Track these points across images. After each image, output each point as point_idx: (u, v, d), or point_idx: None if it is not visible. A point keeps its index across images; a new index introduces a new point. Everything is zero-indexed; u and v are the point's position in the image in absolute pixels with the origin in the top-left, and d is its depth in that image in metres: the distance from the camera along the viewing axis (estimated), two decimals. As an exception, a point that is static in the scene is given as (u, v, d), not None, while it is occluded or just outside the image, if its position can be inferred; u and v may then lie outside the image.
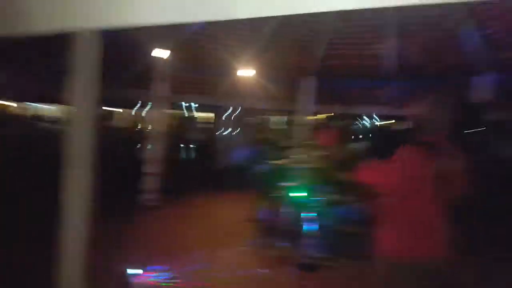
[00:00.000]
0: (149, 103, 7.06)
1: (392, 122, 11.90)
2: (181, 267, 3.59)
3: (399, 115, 8.31)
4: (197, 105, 11.44)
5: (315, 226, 4.23)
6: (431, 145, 1.86)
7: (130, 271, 3.19)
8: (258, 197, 5.37)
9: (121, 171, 6.43)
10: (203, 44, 6.44)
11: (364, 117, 11.37)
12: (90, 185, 2.20)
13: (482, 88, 6.07)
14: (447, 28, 5.67)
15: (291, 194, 4.48)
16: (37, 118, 12.24)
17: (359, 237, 3.97)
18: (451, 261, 1.86)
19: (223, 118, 9.83)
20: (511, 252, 4.04)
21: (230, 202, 6.57)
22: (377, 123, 12.23)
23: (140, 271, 3.31)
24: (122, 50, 5.99)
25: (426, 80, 6.68)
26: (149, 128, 6.84)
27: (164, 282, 3.36)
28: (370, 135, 11.29)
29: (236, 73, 7.17)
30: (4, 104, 12.09)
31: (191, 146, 9.38)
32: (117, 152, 7.90)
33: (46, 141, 8.64)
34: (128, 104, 11.99)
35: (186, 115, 13.21)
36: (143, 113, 12.39)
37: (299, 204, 4.41)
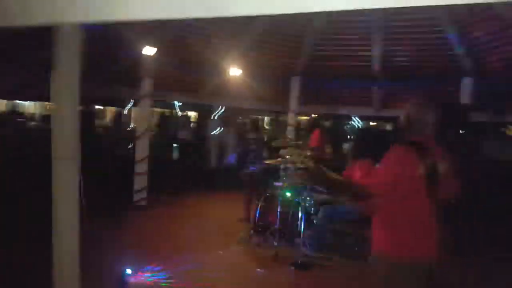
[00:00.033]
0: (137, 101, 6.96)
1: (380, 123, 12.07)
2: (175, 267, 3.56)
3: (386, 115, 8.41)
4: (185, 104, 11.36)
5: (308, 225, 4.25)
6: (419, 145, 1.88)
7: (125, 271, 3.14)
8: (249, 197, 5.37)
9: (109, 170, 6.32)
10: (191, 42, 6.39)
11: (352, 118, 11.48)
12: (77, 183, 2.15)
13: (467, 90, 6.20)
14: (432, 31, 5.78)
15: (282, 194, 4.49)
16: (18, 115, 11.92)
17: (351, 236, 4.01)
18: (442, 261, 1.88)
19: (212, 117, 9.78)
20: (501, 252, 4.13)
21: (222, 202, 6.54)
22: (364, 123, 12.37)
23: (135, 271, 3.27)
24: (108, 47, 5.90)
25: (413, 82, 6.78)
26: (137, 126, 6.73)
27: (159, 282, 3.33)
28: (358, 135, 11.41)
29: (224, 72, 7.13)
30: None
31: (181, 145, 9.29)
32: (105, 151, 7.77)
33: (28, 139, 8.42)
34: (115, 102, 11.78)
35: (175, 114, 13.09)
36: (131, 112, 12.22)
37: (291, 204, 4.43)
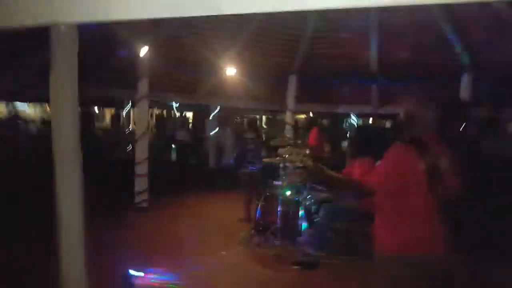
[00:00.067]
0: (134, 102, 6.95)
1: (378, 121, 12.06)
2: (178, 268, 3.56)
3: (385, 113, 8.42)
4: (182, 104, 11.33)
5: (309, 224, 4.24)
6: (419, 143, 1.88)
7: (130, 273, 3.13)
8: (249, 197, 5.36)
9: (109, 172, 6.30)
10: (186, 41, 6.37)
11: (351, 116, 11.48)
12: (81, 186, 2.15)
13: (467, 87, 6.20)
14: (430, 29, 5.77)
15: (282, 193, 4.49)
16: (17, 117, 11.87)
17: (353, 234, 4.00)
18: (446, 259, 1.87)
19: (210, 117, 9.76)
20: (501, 252, 4.12)
21: (222, 202, 6.53)
22: (363, 121, 12.37)
23: (140, 273, 3.26)
24: (105, 47, 5.87)
25: (411, 79, 6.78)
26: (136, 128, 6.72)
27: (163, 284, 3.32)
28: (357, 133, 11.41)
29: (221, 72, 7.12)
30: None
31: (179, 146, 9.27)
32: (104, 153, 7.74)
33: (29, 141, 8.38)
34: (113, 104, 11.74)
35: (173, 115, 13.07)
36: (130, 113, 12.18)
37: (291, 203, 4.42)
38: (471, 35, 5.71)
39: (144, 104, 6.21)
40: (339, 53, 6.87)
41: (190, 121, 13.21)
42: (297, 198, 4.42)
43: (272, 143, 4.91)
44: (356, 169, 3.12)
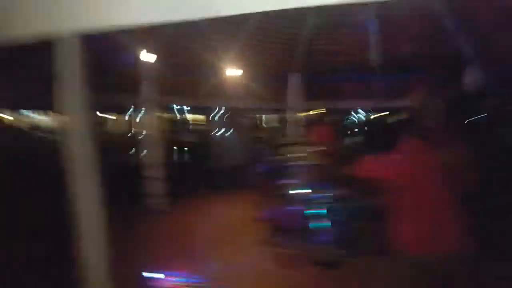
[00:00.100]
0: (141, 107, 7.02)
1: (386, 115, 11.93)
2: (198, 270, 3.55)
3: (392, 107, 8.31)
4: (189, 107, 11.40)
5: (325, 223, 4.18)
6: (430, 136, 1.84)
7: (150, 275, 3.15)
8: (263, 196, 5.33)
9: (122, 177, 6.37)
10: (187, 45, 6.39)
11: (358, 111, 11.39)
12: (98, 192, 2.19)
13: (475, 77, 6.08)
14: (434, 18, 5.66)
15: (296, 192, 4.44)
16: (31, 127, 12.11)
17: (372, 232, 3.92)
18: (464, 257, 1.83)
19: (217, 119, 9.78)
20: None
21: (236, 203, 6.50)
22: (371, 116, 12.25)
23: (161, 276, 3.27)
24: (109, 55, 5.92)
25: (418, 71, 6.68)
26: (144, 132, 6.79)
27: (184, 286, 3.32)
28: (366, 128, 11.31)
29: (224, 73, 7.12)
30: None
31: (189, 148, 9.32)
32: (115, 158, 7.82)
33: (44, 150, 8.52)
34: (121, 110, 11.89)
35: (179, 118, 13.14)
36: (137, 118, 12.29)
37: (306, 201, 4.38)
38: (480, 22, 5.59)
39: (153, 109, 6.29)
40: (343, 49, 6.80)
41: (200, 123, 13.27)
42: (312, 197, 4.37)
43: (282, 141, 4.89)
44: (367, 165, 3.07)
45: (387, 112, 11.34)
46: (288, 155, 4.48)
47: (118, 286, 2.39)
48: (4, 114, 11.96)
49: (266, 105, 9.35)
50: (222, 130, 9.48)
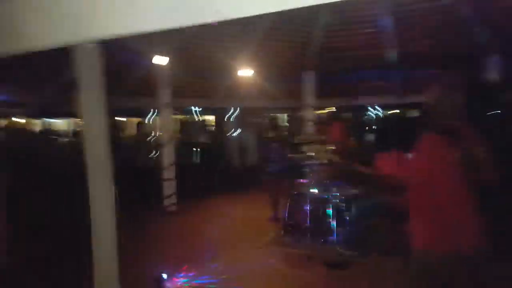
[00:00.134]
0: (156, 110, 7.14)
1: (403, 111, 11.68)
2: (210, 270, 3.60)
3: (410, 103, 8.14)
4: (202, 108, 11.49)
5: (339, 222, 4.14)
6: (450, 132, 1.79)
7: (164, 275, 3.21)
8: (276, 196, 5.33)
9: (138, 178, 6.49)
10: (201, 47, 6.45)
11: (374, 108, 11.18)
12: (113, 194, 2.25)
13: (493, 70, 5.89)
14: (451, 12, 5.52)
15: (310, 191, 4.42)
16: (51, 132, 12.46)
17: (386, 231, 3.86)
18: (483, 255, 1.78)
19: (231, 119, 9.83)
20: None
21: (249, 203, 6.54)
22: (388, 113, 12.02)
23: (172, 276, 3.33)
24: (124, 60, 6.05)
25: (435, 66, 6.52)
26: (161, 135, 6.90)
27: (198, 286, 3.36)
28: (383, 125, 11.11)
29: (237, 73, 7.14)
30: (16, 121, 12.34)
31: (203, 149, 9.40)
32: (131, 160, 7.96)
33: (63, 155, 8.75)
34: (138, 113, 12.10)
35: (194, 119, 13.24)
36: (151, 121, 12.46)
37: (320, 201, 4.35)
38: (498, 14, 5.41)
39: (167, 111, 6.38)
40: (355, 45, 6.71)
41: (213, 124, 13.35)
42: (325, 196, 4.34)
43: (296, 140, 4.86)
44: (386, 162, 3.01)
45: (404, 109, 11.11)
46: (302, 154, 4.45)
47: (130, 285, 2.44)
48: (23, 119, 12.38)
49: (281, 104, 9.33)
50: (238, 131, 9.52)
